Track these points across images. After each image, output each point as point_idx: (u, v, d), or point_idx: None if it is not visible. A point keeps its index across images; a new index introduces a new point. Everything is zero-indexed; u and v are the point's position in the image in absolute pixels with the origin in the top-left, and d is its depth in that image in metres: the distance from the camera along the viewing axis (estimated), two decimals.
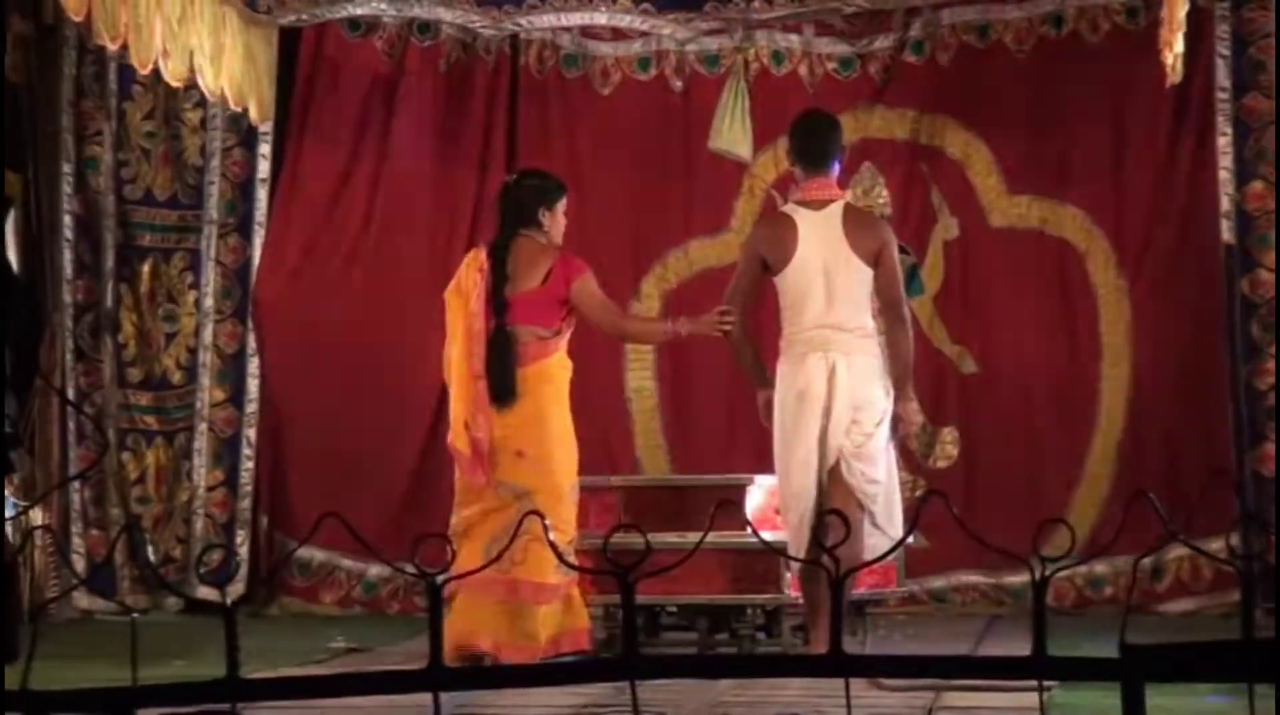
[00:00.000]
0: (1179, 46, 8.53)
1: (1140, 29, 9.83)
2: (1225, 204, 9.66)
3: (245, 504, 10.31)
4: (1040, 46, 10.20)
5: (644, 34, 10.45)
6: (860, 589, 8.02)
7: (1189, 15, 8.51)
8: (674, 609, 8.08)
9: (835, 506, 7.05)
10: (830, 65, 10.42)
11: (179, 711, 2.91)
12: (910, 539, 7.94)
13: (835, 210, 7.43)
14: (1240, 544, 7.58)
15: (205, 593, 8.98)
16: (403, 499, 10.22)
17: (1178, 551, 9.43)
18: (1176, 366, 9.92)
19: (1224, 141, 9.69)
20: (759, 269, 7.50)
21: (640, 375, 10.49)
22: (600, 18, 10.37)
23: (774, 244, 7.44)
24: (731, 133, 9.39)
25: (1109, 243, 10.10)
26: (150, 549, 9.67)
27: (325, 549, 10.24)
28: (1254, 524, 9.00)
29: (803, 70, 10.40)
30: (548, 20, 10.37)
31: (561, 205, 7.89)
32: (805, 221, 7.38)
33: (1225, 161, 9.68)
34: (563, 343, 7.78)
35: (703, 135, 10.14)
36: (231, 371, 10.45)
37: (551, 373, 7.74)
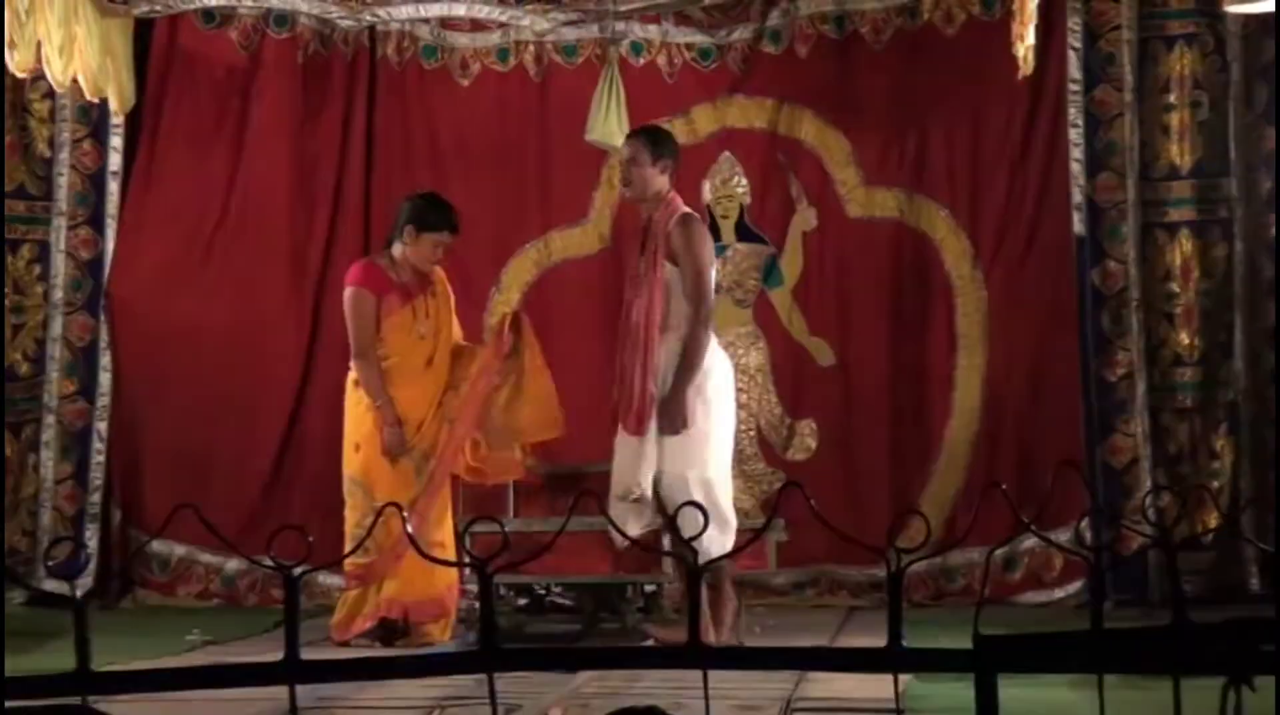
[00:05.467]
0: (1030, 38, 8.62)
1: (995, 20, 9.89)
2: (1076, 196, 9.76)
3: (95, 497, 10.18)
4: (896, 38, 10.25)
5: (503, 25, 10.43)
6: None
7: (1041, 7, 8.61)
8: (559, 588, 8.33)
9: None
10: (689, 55, 10.43)
11: (28, 704, 2.87)
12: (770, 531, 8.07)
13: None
14: (1090, 535, 7.67)
15: (52, 586, 8.88)
16: (259, 493, 10.16)
17: (1030, 543, 9.50)
18: (1029, 358, 10.00)
19: (1075, 134, 9.78)
20: None
21: None
22: (459, 9, 10.34)
23: (710, 243, 7.80)
24: (607, 124, 9.40)
25: (964, 234, 10.17)
26: None
27: (185, 543, 10.14)
28: (1103, 515, 9.13)
29: (661, 61, 10.41)
30: (406, 12, 10.34)
31: (432, 237, 8.25)
32: None
33: (1076, 153, 9.77)
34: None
35: (561, 126, 10.14)
36: (82, 364, 10.30)
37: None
